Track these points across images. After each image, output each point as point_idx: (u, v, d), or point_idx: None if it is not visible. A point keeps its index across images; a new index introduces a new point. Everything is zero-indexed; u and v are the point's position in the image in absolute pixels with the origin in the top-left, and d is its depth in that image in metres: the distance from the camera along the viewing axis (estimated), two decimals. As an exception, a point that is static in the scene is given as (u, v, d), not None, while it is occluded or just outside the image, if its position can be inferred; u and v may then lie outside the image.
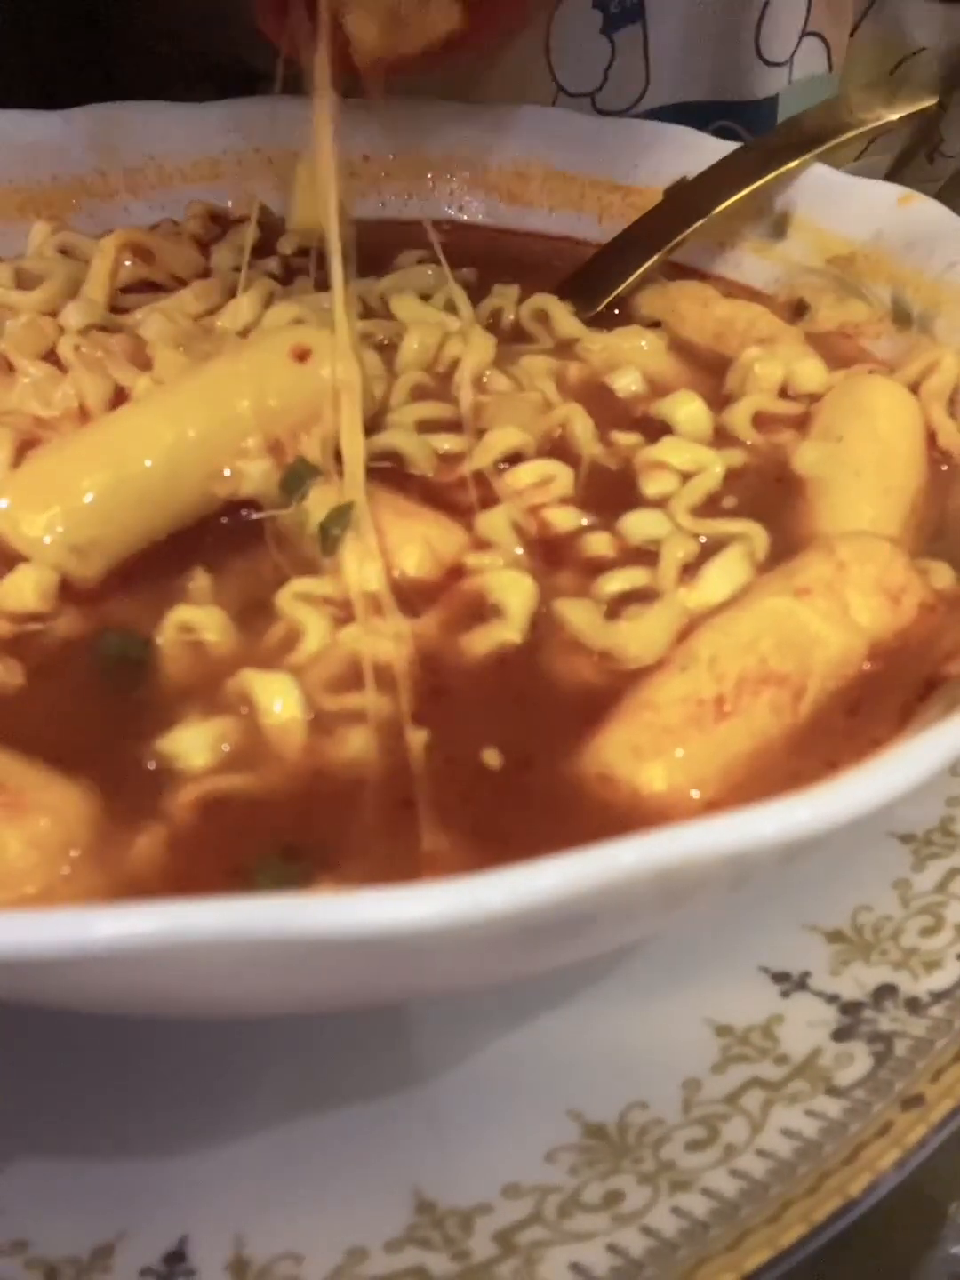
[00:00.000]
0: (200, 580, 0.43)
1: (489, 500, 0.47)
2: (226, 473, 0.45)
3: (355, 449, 0.45)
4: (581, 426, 0.51)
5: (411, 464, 0.49)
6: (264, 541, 0.45)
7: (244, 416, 0.45)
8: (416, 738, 0.38)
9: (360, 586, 0.42)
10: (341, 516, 0.44)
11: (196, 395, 0.46)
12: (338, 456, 0.47)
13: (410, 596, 0.43)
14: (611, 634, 0.42)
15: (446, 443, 0.50)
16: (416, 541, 0.44)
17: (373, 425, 0.49)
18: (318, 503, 0.45)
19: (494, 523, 0.45)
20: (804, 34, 0.81)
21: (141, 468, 0.44)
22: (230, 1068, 0.40)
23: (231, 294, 0.58)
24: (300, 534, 0.45)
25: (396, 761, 0.37)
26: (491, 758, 0.38)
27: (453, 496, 0.48)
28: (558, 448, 0.51)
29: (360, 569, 0.43)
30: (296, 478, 0.45)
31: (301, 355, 0.47)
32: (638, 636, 0.42)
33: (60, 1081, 0.40)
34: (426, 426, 0.51)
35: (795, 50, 0.81)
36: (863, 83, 0.83)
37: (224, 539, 0.45)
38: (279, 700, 0.38)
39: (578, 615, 0.42)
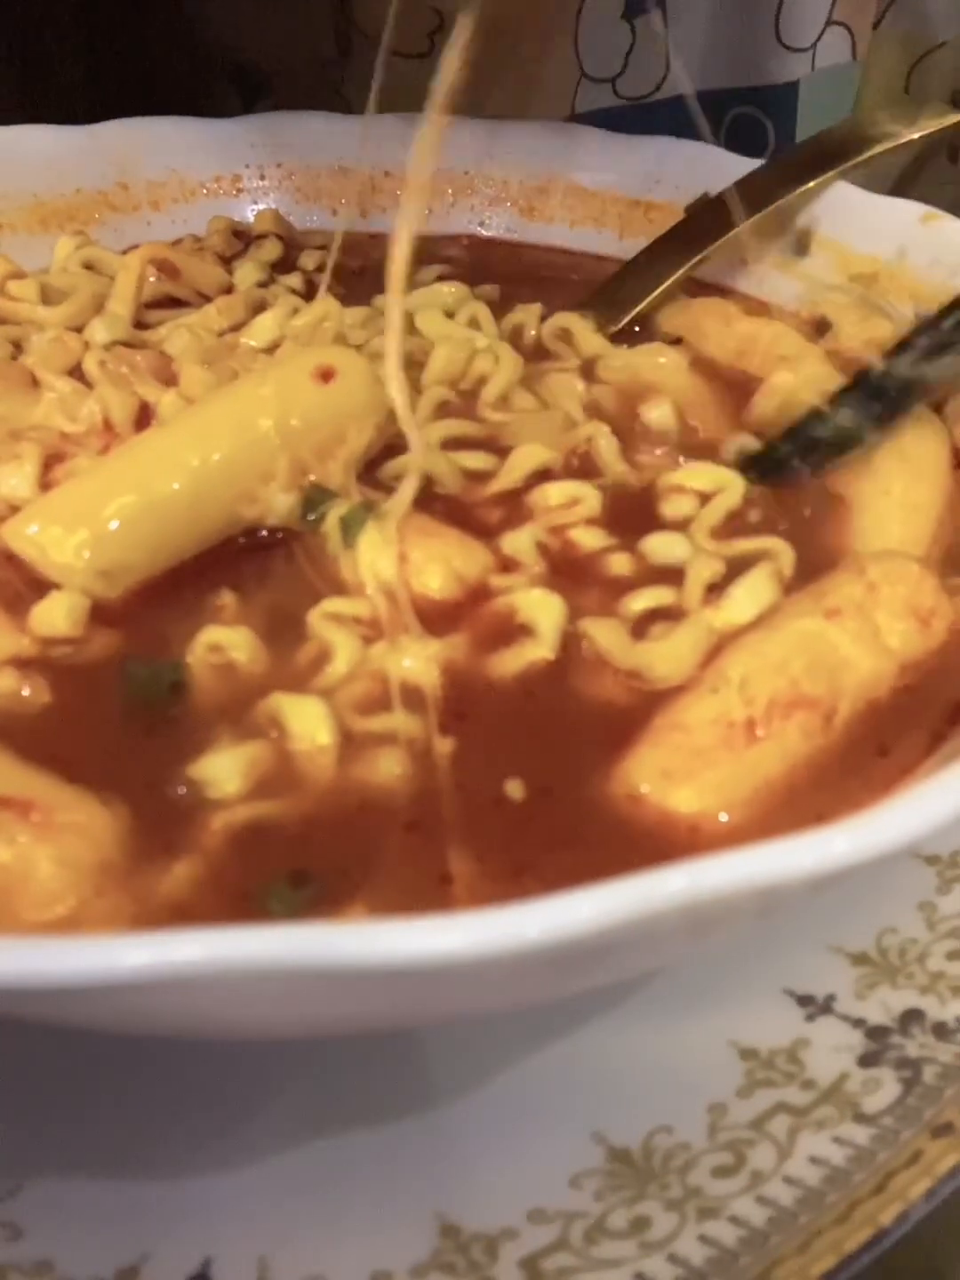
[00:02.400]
0: (227, 599, 0.43)
1: (515, 519, 0.47)
2: (253, 496, 0.45)
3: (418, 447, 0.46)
4: (606, 445, 0.51)
5: (439, 484, 0.48)
6: (287, 560, 0.45)
7: (268, 438, 0.45)
8: (444, 760, 0.37)
9: (375, 577, 0.42)
10: (363, 513, 0.44)
11: (221, 417, 0.46)
12: (360, 478, 0.47)
13: (437, 615, 0.42)
14: (638, 653, 0.42)
15: (472, 461, 0.50)
16: (438, 561, 0.44)
17: (396, 444, 0.49)
18: (335, 525, 0.45)
19: (519, 543, 0.45)
20: (829, 22, 0.81)
21: (168, 492, 0.43)
22: (254, 1089, 0.40)
23: (255, 310, 0.58)
24: (323, 552, 0.45)
25: (424, 784, 0.37)
26: (519, 779, 0.37)
27: (478, 515, 0.48)
28: (582, 465, 0.51)
29: (375, 560, 0.43)
30: (312, 504, 0.45)
31: (326, 375, 0.47)
32: (664, 656, 0.41)
33: (84, 1102, 0.39)
34: (451, 444, 0.51)
35: (819, 38, 0.81)
36: (882, 85, 0.84)
37: (247, 558, 0.45)
38: (310, 725, 0.38)
39: (605, 634, 0.42)
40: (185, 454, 0.44)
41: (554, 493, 0.48)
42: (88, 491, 0.44)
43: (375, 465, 0.48)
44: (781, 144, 0.86)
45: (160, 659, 0.41)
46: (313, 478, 0.46)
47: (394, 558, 0.43)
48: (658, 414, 0.54)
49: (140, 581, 0.43)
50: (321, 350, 0.51)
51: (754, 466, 0.50)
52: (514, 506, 0.48)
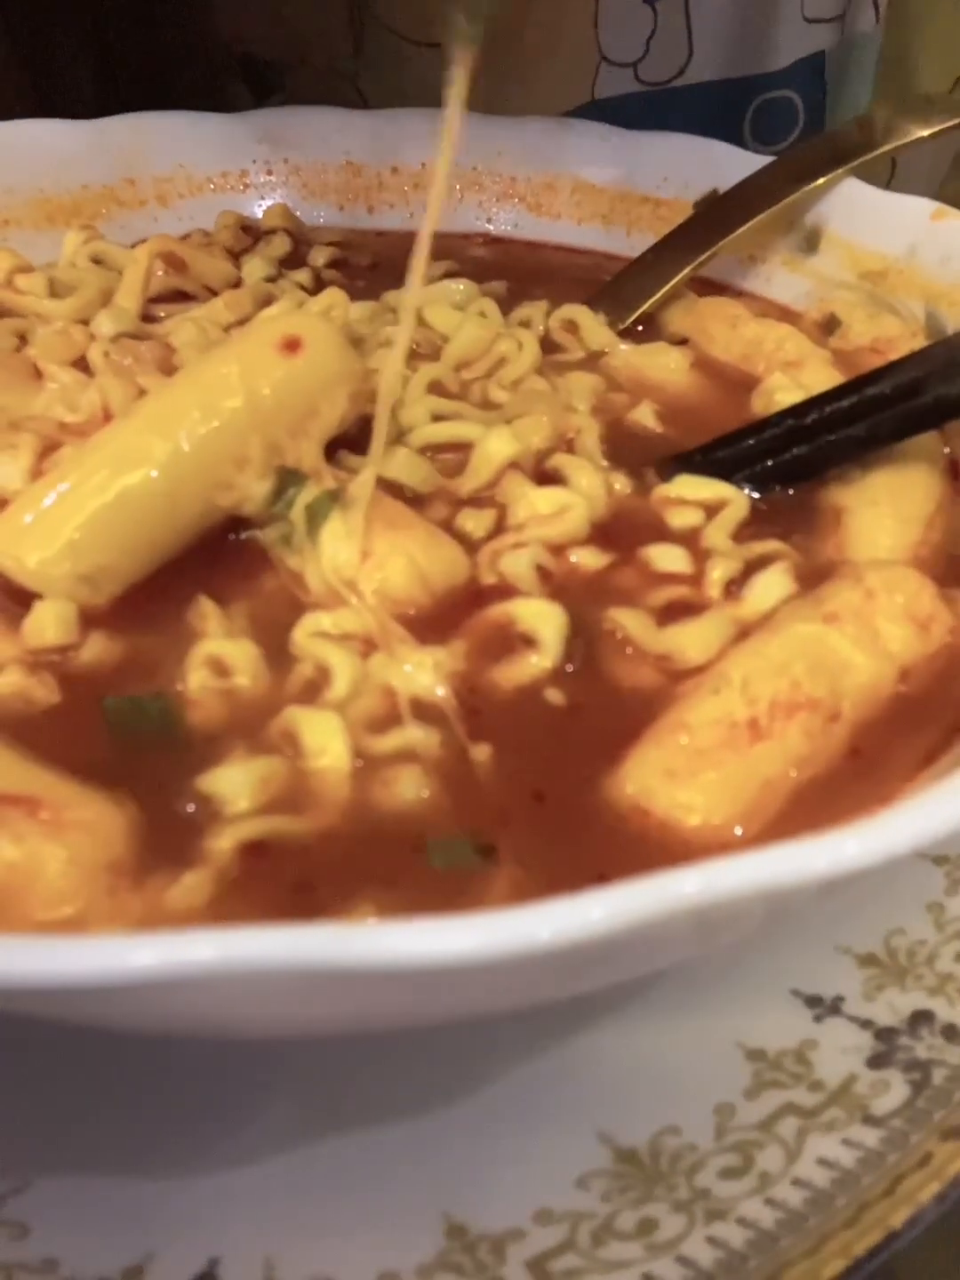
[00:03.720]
0: (207, 607, 0.42)
1: (499, 525, 0.47)
2: (228, 483, 0.43)
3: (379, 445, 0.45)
4: (589, 441, 0.51)
5: (407, 487, 0.47)
6: (266, 562, 0.44)
7: (238, 419, 0.43)
8: (479, 769, 0.37)
9: (335, 571, 0.42)
10: (329, 500, 0.43)
11: (186, 402, 0.43)
12: (334, 456, 0.46)
13: (427, 624, 0.42)
14: (667, 638, 0.42)
15: (464, 430, 0.49)
16: (401, 554, 0.43)
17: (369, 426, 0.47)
18: (301, 514, 0.44)
19: (517, 567, 0.44)
20: None
21: (139, 487, 0.42)
22: (261, 1089, 0.40)
23: (262, 304, 0.58)
24: (286, 546, 0.44)
25: (439, 791, 0.37)
26: (530, 784, 0.37)
27: (460, 523, 0.47)
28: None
29: (336, 553, 0.42)
30: (282, 488, 0.44)
31: (292, 346, 0.44)
32: (692, 639, 0.42)
33: (90, 1101, 0.39)
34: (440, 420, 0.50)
35: (847, 6, 0.81)
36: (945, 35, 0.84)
37: (235, 557, 0.45)
38: (326, 740, 0.37)
39: (633, 622, 0.42)
40: (152, 445, 0.42)
41: (541, 501, 0.47)
42: (57, 497, 0.42)
43: (354, 441, 0.47)
44: (811, 119, 0.86)
45: (140, 693, 0.39)
46: (288, 461, 0.44)
47: (356, 550, 0.42)
48: (640, 417, 0.54)
49: (126, 584, 0.42)
50: (285, 319, 0.48)
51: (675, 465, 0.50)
52: (492, 507, 0.47)
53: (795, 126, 0.86)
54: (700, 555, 0.46)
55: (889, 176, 0.82)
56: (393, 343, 0.55)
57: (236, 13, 0.84)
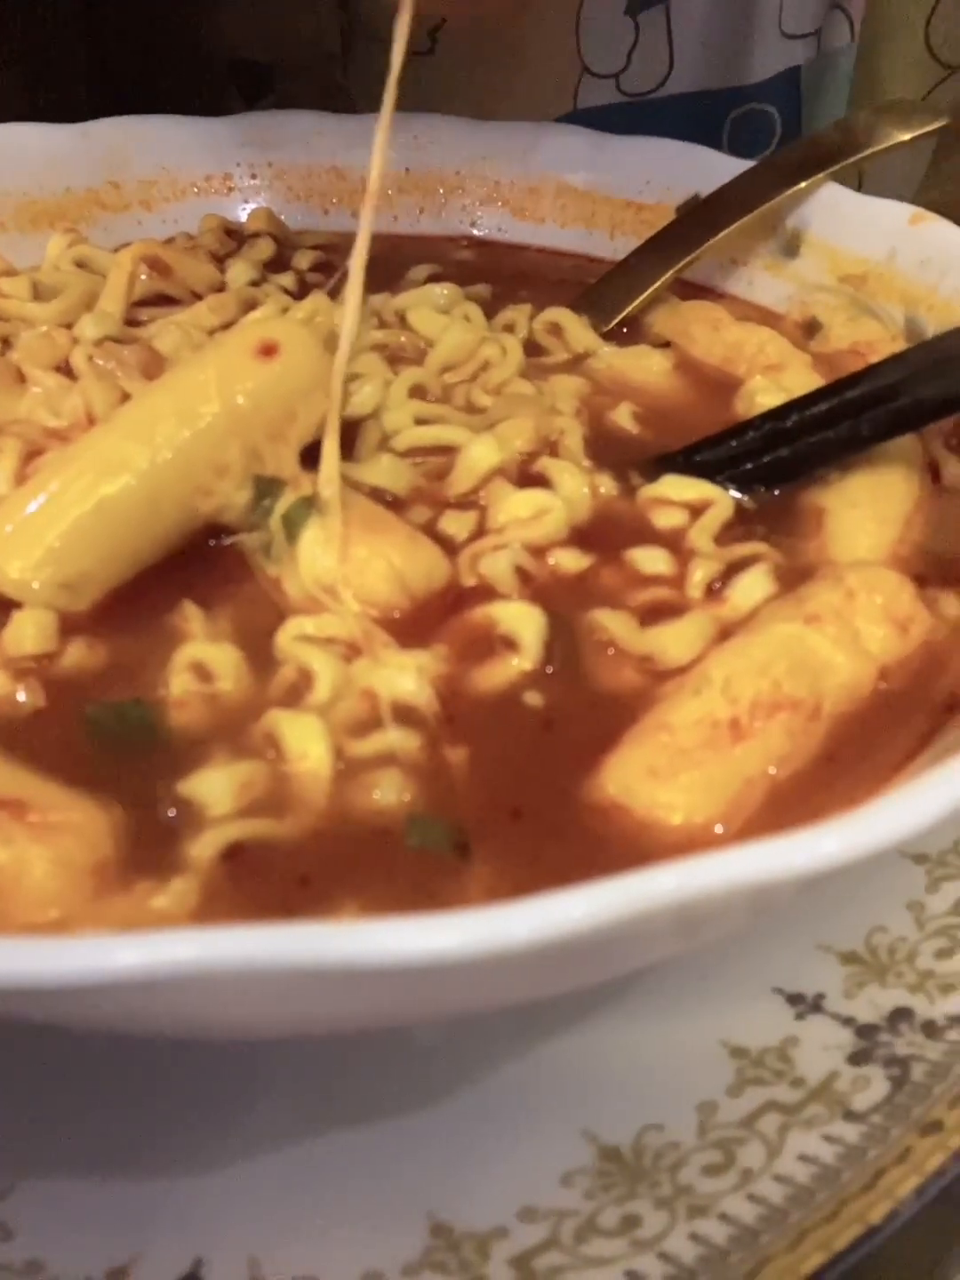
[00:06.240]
0: (190, 611, 0.42)
1: (481, 529, 0.47)
2: (208, 489, 0.43)
3: (332, 446, 0.45)
4: (572, 443, 0.51)
5: (390, 493, 0.48)
6: (245, 566, 0.44)
7: (216, 425, 0.43)
8: (441, 770, 0.38)
9: (314, 576, 0.42)
10: (305, 507, 0.43)
11: (164, 408, 0.43)
12: (313, 463, 0.45)
13: (408, 627, 0.42)
14: (649, 639, 0.42)
15: (448, 434, 0.49)
16: (381, 558, 0.43)
17: (355, 417, 0.48)
18: (279, 523, 0.44)
19: (497, 568, 0.44)
20: (831, 6, 0.83)
21: (119, 495, 0.42)
22: (245, 1089, 0.40)
23: (247, 308, 0.58)
24: (265, 555, 0.44)
25: (419, 793, 0.37)
26: (511, 785, 0.38)
27: (441, 525, 0.47)
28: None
29: (315, 559, 0.42)
30: (261, 495, 0.44)
31: (268, 351, 0.44)
32: (674, 639, 0.42)
33: (74, 1101, 0.39)
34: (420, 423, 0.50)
35: (823, 23, 0.82)
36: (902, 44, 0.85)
37: (217, 562, 0.44)
38: (306, 742, 0.37)
39: (615, 623, 0.42)
40: (131, 453, 0.42)
41: (520, 503, 0.47)
42: (37, 505, 0.42)
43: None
44: (788, 131, 0.87)
45: (122, 698, 0.39)
46: (268, 466, 0.44)
47: (335, 556, 0.42)
48: (623, 419, 0.54)
49: (106, 589, 0.42)
50: (261, 324, 0.49)
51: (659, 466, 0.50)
52: (474, 509, 0.47)
53: (772, 139, 0.88)
54: (683, 556, 0.46)
55: (857, 186, 0.83)
56: (382, 346, 0.55)
57: (228, 17, 0.85)
